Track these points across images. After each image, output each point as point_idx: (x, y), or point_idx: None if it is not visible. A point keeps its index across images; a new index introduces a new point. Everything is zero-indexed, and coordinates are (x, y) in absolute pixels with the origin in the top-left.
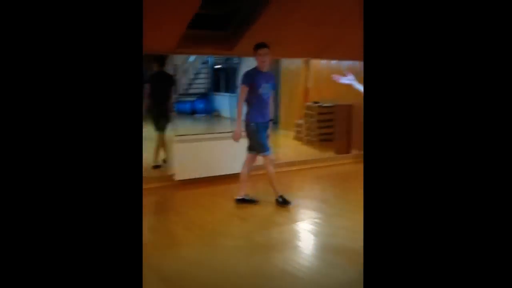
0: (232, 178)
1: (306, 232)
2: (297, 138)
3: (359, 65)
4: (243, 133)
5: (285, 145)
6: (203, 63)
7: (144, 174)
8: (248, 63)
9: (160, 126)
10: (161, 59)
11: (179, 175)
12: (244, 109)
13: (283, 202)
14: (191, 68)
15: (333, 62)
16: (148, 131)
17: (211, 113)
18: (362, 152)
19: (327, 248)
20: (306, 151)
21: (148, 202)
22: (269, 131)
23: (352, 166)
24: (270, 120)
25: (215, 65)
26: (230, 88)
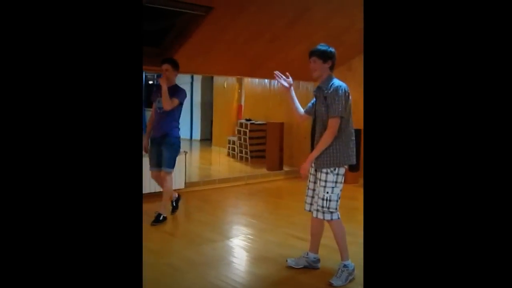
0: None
1: (239, 248)
2: (230, 154)
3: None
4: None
5: (218, 161)
6: None
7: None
8: (180, 80)
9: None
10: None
11: None
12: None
13: (155, 221)
14: None
15: (265, 80)
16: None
17: (143, 128)
18: (293, 169)
19: (260, 263)
20: (239, 168)
21: None
22: (164, 147)
23: (283, 183)
24: (165, 134)
25: (148, 81)
26: None
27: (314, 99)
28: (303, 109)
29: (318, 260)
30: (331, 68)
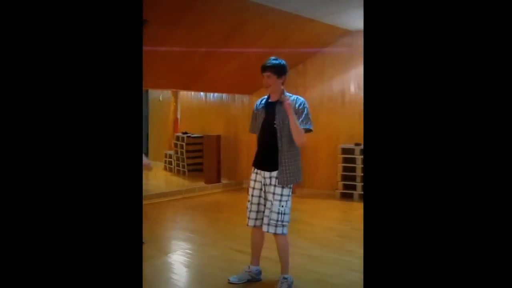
0: None
1: (179, 264)
2: (167, 168)
3: (223, 98)
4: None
5: (155, 176)
6: None
7: None
8: None
9: None
10: None
11: None
12: None
13: None
14: None
15: (201, 93)
16: None
17: None
18: (231, 181)
19: (201, 278)
20: (176, 182)
21: None
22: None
23: (222, 195)
24: None
25: None
26: None
27: (257, 113)
28: (252, 130)
29: (260, 272)
30: (283, 82)
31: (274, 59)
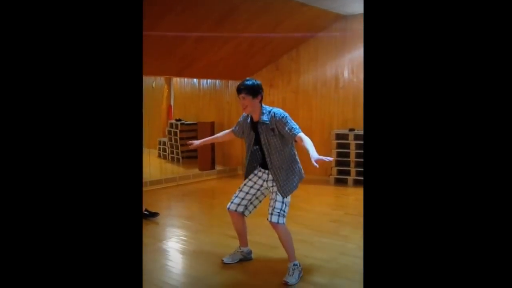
0: None
1: (174, 251)
2: (161, 156)
3: (217, 84)
4: None
5: (149, 163)
6: None
7: None
8: None
9: None
10: None
11: None
12: None
13: (149, 215)
14: None
15: (194, 80)
16: None
17: None
18: (226, 168)
19: (196, 265)
20: (170, 169)
21: None
22: None
23: (216, 182)
24: None
25: None
26: None
27: (245, 129)
28: (231, 130)
29: (250, 252)
30: (261, 101)
31: (248, 80)
